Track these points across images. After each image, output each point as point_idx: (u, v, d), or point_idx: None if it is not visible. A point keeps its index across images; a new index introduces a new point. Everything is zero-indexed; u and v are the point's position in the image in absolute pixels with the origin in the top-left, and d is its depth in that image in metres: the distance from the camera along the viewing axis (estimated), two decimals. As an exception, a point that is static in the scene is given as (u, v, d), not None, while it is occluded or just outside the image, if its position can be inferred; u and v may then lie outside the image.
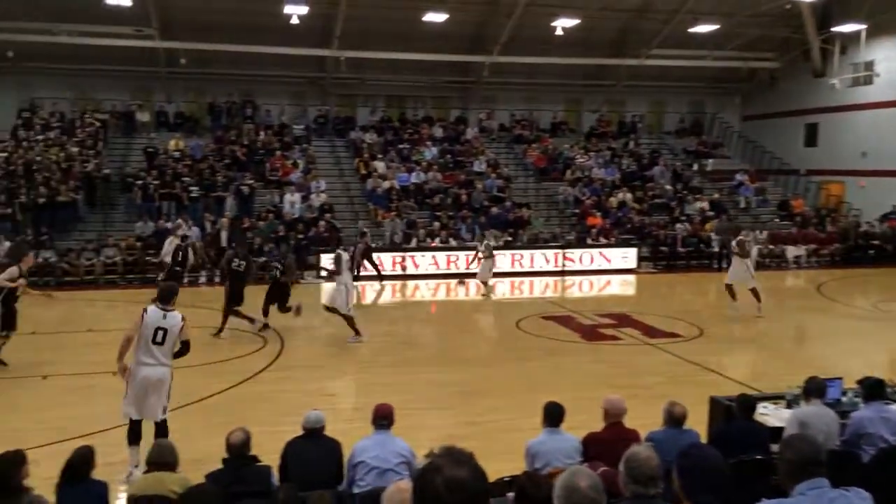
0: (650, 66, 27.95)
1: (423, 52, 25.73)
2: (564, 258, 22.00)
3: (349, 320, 12.87)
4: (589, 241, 22.99)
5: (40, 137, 23.57)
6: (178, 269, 14.61)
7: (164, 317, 7.02)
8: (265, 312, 13.43)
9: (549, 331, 14.06)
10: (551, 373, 10.95)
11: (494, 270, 18.49)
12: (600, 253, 22.37)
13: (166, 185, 22.31)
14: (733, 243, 15.55)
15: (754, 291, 15.05)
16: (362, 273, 19.05)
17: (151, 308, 7.11)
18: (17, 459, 4.67)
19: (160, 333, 6.97)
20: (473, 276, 18.69)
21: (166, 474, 4.84)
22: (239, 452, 5.22)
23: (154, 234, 20.06)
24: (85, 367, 11.08)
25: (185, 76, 26.30)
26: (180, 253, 14.80)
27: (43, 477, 5.24)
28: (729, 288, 15.14)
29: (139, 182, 22.27)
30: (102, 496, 4.90)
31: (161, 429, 7.10)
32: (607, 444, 5.47)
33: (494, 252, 18.56)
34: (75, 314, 15.44)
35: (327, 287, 13.18)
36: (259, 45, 24.47)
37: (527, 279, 20.97)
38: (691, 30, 26.35)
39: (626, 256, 22.44)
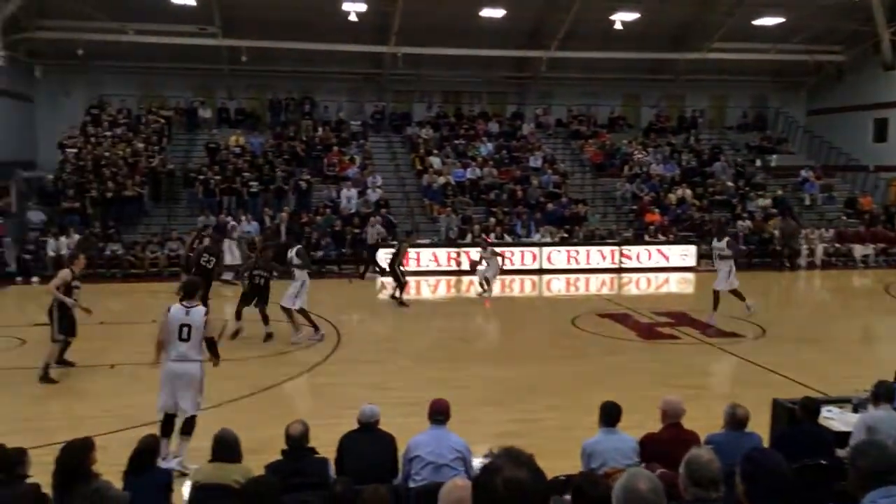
0: (712, 60, 27.31)
1: (480, 48, 25.70)
2: (621, 255, 21.72)
3: (290, 314, 12.46)
4: (646, 238, 22.65)
5: (108, 133, 24.31)
6: (190, 255, 15.08)
7: (187, 313, 7.10)
8: (238, 315, 12.68)
9: (606, 328, 13.90)
10: (607, 371, 10.83)
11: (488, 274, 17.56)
12: (658, 250, 22.01)
13: (227, 180, 22.79)
14: (721, 244, 14.33)
15: (717, 295, 14.18)
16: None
17: (174, 307, 7.20)
18: (86, 446, 4.85)
19: (185, 330, 7.05)
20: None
21: (230, 465, 4.95)
22: (298, 444, 5.31)
23: (215, 228, 20.50)
24: (149, 357, 11.38)
25: (246, 73, 26.80)
26: (197, 241, 15.28)
27: (110, 463, 5.42)
28: (734, 293, 14.22)
29: (201, 177, 22.79)
30: (167, 484, 5.05)
31: (188, 423, 7.13)
32: (665, 445, 5.39)
33: (496, 254, 17.66)
34: (140, 305, 15.89)
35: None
36: (318, 42, 24.79)
37: (582, 276, 20.77)
38: (755, 22, 25.67)
39: (686, 254, 22.04)
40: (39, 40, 24.35)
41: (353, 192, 23.09)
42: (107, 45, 24.23)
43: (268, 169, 23.53)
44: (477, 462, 5.42)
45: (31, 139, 26.95)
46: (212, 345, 7.38)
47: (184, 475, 6.43)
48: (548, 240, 21.98)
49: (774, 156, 28.06)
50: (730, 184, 25.71)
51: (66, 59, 25.04)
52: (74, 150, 23.18)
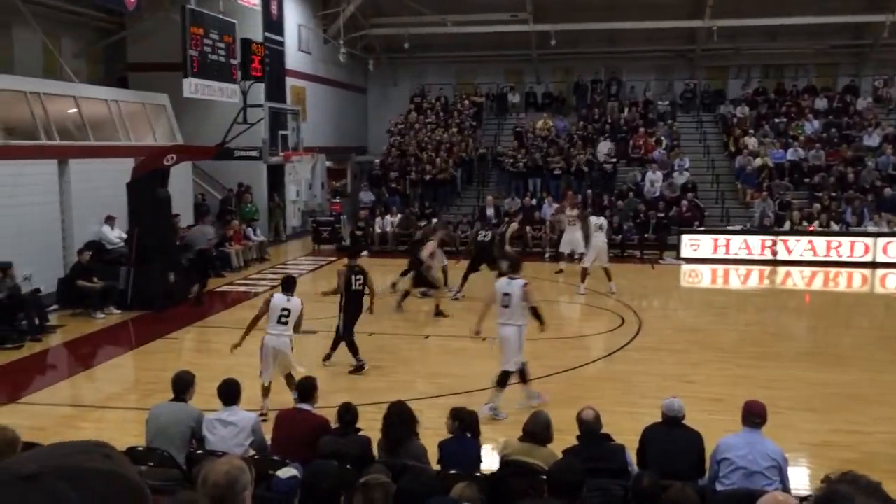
0: None
1: (808, 15, 23.30)
2: (982, 249, 18.40)
3: None
4: None
5: (428, 120, 26.29)
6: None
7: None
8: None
9: (957, 335, 11.92)
10: (958, 385, 9.29)
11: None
12: None
13: (533, 162, 23.38)
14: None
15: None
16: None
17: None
18: (409, 409, 5.34)
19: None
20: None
21: (537, 447, 5.11)
22: (591, 429, 5.29)
23: (520, 210, 21.14)
24: (460, 330, 12.16)
25: (553, 57, 27.24)
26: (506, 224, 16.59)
27: (425, 426, 5.89)
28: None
29: (509, 160, 23.66)
30: (477, 453, 5.37)
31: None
32: None
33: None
34: (453, 281, 16.96)
35: None
36: (626, 21, 24.33)
37: (927, 272, 17.99)
38: None
39: None
40: (372, 37, 27.08)
41: (659, 174, 22.36)
42: (429, 37, 26.20)
43: (572, 151, 23.68)
44: (793, 473, 4.99)
45: (364, 127, 30.27)
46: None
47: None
48: (884, 229, 19.36)
49: None
50: None
51: (394, 52, 27.59)
52: (398, 137, 25.45)
